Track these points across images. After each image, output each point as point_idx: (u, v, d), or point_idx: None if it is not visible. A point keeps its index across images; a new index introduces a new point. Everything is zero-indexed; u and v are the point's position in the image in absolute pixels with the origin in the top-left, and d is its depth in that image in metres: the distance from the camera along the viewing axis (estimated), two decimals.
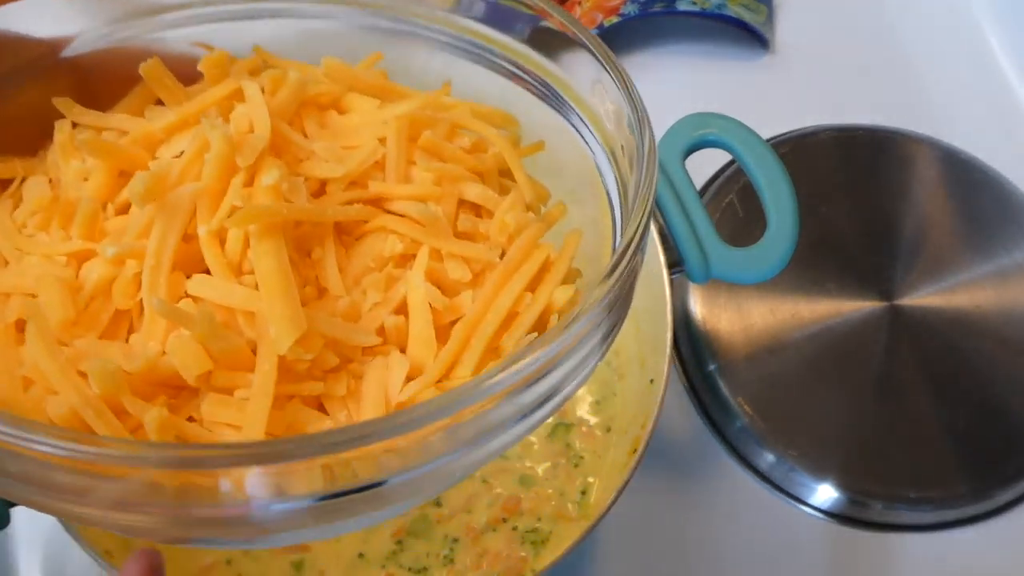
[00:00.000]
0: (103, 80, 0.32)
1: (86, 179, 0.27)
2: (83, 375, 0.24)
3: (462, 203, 0.29)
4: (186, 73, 0.32)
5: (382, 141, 0.28)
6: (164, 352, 0.24)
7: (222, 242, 0.25)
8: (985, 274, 0.66)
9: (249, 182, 0.26)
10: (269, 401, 0.24)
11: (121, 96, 0.32)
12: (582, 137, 0.33)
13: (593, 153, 0.33)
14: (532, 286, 0.28)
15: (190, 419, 0.25)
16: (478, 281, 0.28)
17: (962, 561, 0.59)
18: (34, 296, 0.25)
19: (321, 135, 0.29)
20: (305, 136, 0.29)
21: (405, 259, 0.28)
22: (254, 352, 0.25)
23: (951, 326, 0.64)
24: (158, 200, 0.25)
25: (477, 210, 0.30)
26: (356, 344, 0.26)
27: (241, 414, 0.24)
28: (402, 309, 0.27)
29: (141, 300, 0.25)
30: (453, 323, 0.28)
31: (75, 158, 0.28)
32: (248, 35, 0.33)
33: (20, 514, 0.45)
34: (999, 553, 0.59)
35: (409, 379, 0.26)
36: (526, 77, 0.34)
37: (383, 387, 0.26)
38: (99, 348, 0.25)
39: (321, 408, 0.26)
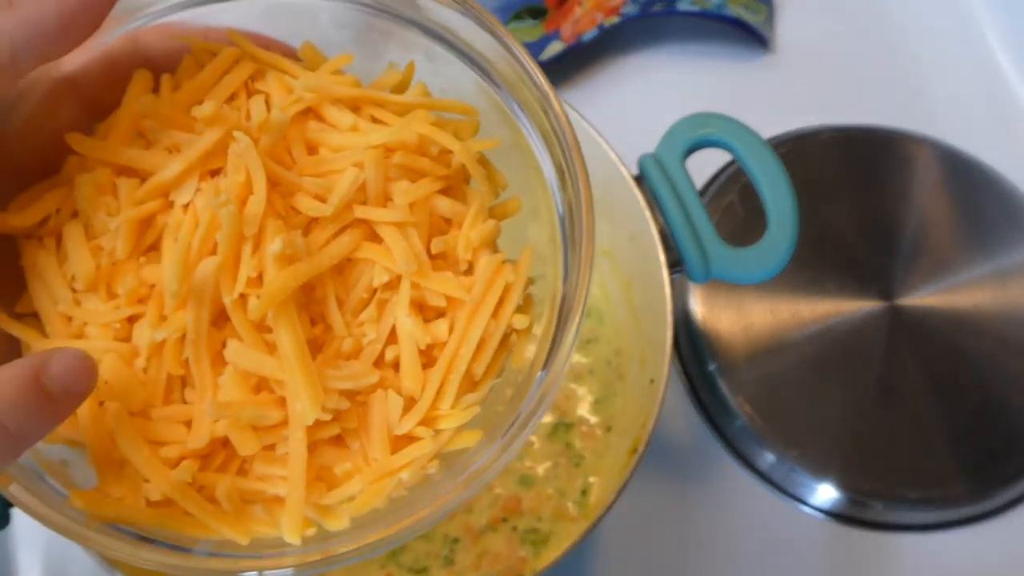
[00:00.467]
0: (101, 88, 0.34)
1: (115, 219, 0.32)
2: (166, 449, 0.31)
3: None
4: (169, 63, 0.35)
5: (360, 166, 0.33)
6: (216, 420, 0.31)
7: (244, 300, 0.31)
8: (985, 274, 0.66)
9: (256, 246, 0.31)
10: (305, 460, 0.31)
11: (119, 94, 0.34)
12: (529, 134, 0.37)
13: (543, 165, 0.37)
14: (496, 312, 0.33)
15: (243, 463, 0.32)
16: (452, 304, 0.33)
17: (962, 561, 0.59)
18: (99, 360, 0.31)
19: (306, 162, 0.33)
20: (291, 157, 0.33)
21: (392, 283, 0.33)
22: (283, 403, 0.31)
23: (951, 326, 0.64)
24: (187, 283, 0.30)
25: (447, 220, 0.34)
26: (362, 387, 0.32)
27: (285, 468, 0.31)
28: (392, 337, 0.33)
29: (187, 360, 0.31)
30: (432, 346, 0.33)
31: (101, 210, 0.32)
32: (217, 16, 0.36)
33: (20, 514, 0.45)
34: (999, 553, 0.59)
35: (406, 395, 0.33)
36: (484, 73, 0.37)
37: (385, 421, 0.32)
38: (169, 424, 0.31)
39: (339, 439, 0.32)
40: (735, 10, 0.73)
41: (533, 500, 0.54)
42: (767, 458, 0.60)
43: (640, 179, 0.52)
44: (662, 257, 0.50)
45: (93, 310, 0.31)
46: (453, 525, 0.53)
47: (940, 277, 0.65)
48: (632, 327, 0.56)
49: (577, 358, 0.58)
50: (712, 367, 0.62)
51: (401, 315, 0.32)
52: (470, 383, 0.33)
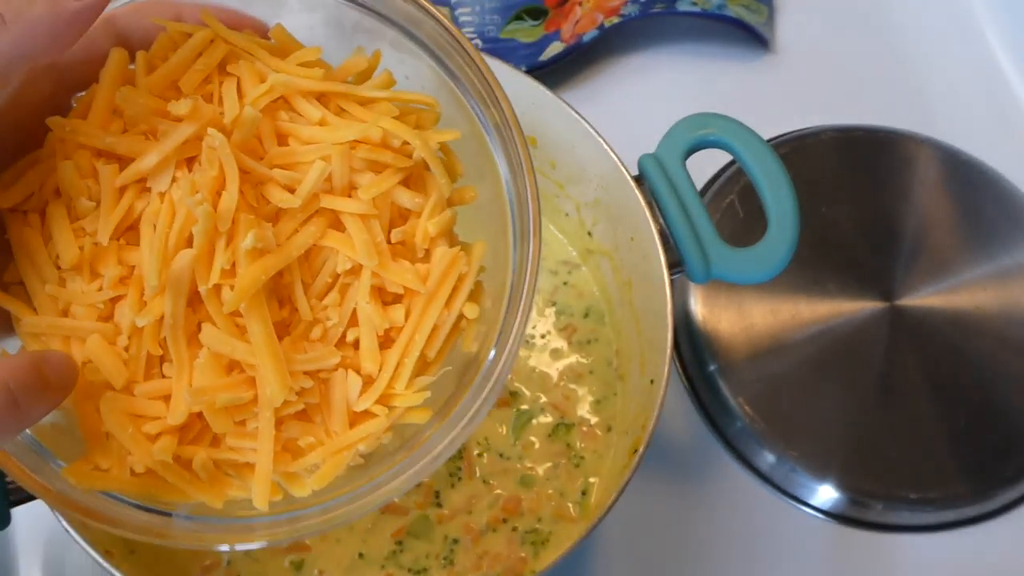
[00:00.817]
0: (78, 66, 0.35)
1: (96, 204, 0.34)
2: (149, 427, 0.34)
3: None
4: (144, 42, 0.36)
5: (327, 159, 0.34)
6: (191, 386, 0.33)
7: (218, 288, 0.33)
8: (985, 274, 0.66)
9: (229, 239, 0.33)
10: (272, 436, 0.34)
11: (96, 70, 0.35)
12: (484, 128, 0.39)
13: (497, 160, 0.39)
14: (449, 301, 0.36)
15: (215, 437, 0.34)
16: (409, 291, 0.36)
17: (962, 562, 0.59)
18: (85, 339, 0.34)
19: (276, 152, 0.35)
20: (262, 147, 0.35)
21: (355, 269, 0.35)
22: (254, 382, 0.34)
23: (952, 326, 0.64)
24: (165, 273, 0.33)
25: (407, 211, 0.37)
26: (325, 368, 0.35)
27: (255, 441, 0.34)
28: (353, 319, 0.35)
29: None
30: (390, 328, 0.36)
31: (83, 194, 0.34)
32: None
33: (20, 514, 0.45)
34: (999, 554, 0.59)
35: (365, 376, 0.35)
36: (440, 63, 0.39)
37: (345, 399, 0.35)
38: (150, 400, 0.34)
39: (303, 413, 0.35)
40: (735, 10, 0.73)
41: (533, 501, 0.54)
42: (767, 459, 0.60)
43: (640, 179, 0.52)
44: (662, 257, 0.50)
45: (78, 291, 0.34)
46: (453, 526, 0.53)
47: (940, 277, 0.65)
48: (632, 327, 0.56)
49: (577, 358, 0.58)
50: (712, 368, 0.62)
51: (362, 302, 0.35)
52: (423, 365, 0.36)
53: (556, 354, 0.58)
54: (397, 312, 0.35)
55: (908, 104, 0.74)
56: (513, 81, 0.55)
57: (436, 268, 0.36)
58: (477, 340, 0.37)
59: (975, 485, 0.60)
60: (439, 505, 0.53)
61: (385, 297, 0.36)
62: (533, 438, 0.55)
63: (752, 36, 0.75)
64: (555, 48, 0.72)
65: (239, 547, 0.35)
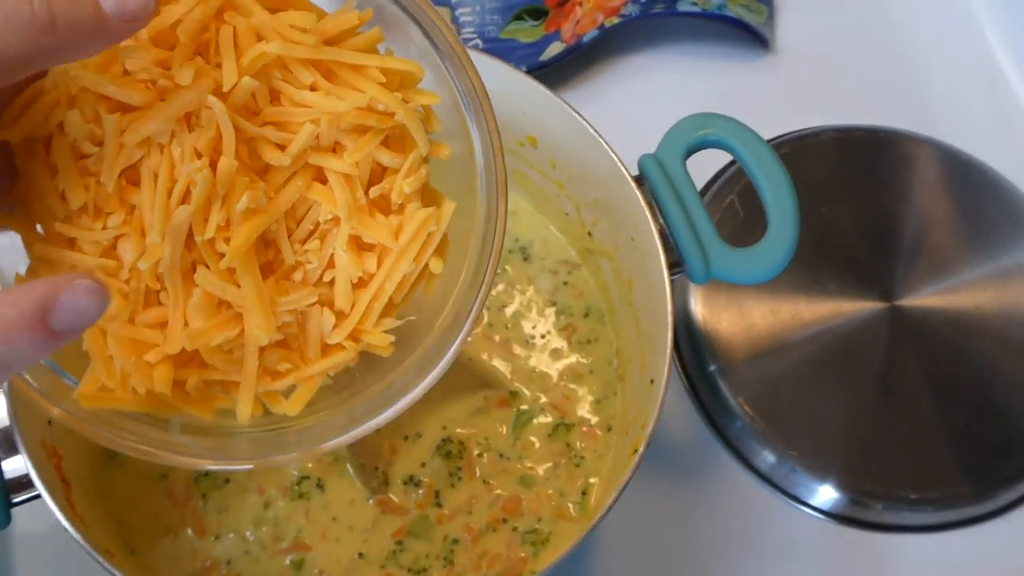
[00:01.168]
0: None
1: (99, 144, 0.36)
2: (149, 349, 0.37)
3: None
4: None
5: (316, 122, 0.37)
6: (187, 323, 0.37)
7: (212, 239, 0.36)
8: (985, 274, 0.66)
9: (225, 198, 0.36)
10: (256, 365, 0.38)
11: None
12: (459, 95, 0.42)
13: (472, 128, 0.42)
14: (418, 256, 0.39)
15: (202, 362, 0.38)
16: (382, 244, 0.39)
17: (962, 562, 0.59)
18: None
19: (269, 111, 0.38)
20: (256, 102, 0.38)
21: (335, 218, 0.38)
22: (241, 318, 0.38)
23: (952, 326, 0.64)
24: (165, 225, 0.36)
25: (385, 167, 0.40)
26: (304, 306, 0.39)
27: (240, 367, 0.38)
28: (331, 261, 0.39)
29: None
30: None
31: (87, 138, 0.36)
32: None
33: (20, 514, 0.45)
34: (999, 554, 0.59)
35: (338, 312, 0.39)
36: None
37: (319, 332, 0.39)
38: (149, 329, 0.37)
39: (282, 342, 0.39)
40: (736, 11, 0.73)
41: (533, 501, 0.54)
42: (767, 459, 0.60)
43: (640, 179, 0.52)
44: (662, 257, 0.50)
45: (85, 227, 0.37)
46: (453, 526, 0.53)
47: (940, 277, 0.65)
48: (632, 327, 0.56)
49: (577, 358, 0.58)
50: (712, 368, 0.62)
51: (339, 251, 0.38)
52: (389, 307, 0.40)
53: (556, 354, 0.58)
54: (371, 261, 0.39)
55: (908, 104, 0.75)
56: (513, 81, 0.55)
57: (409, 226, 0.39)
58: (441, 288, 0.41)
59: (975, 485, 0.60)
60: (439, 505, 0.53)
61: (361, 243, 0.39)
62: (533, 438, 0.55)
63: (752, 36, 0.75)
64: (555, 48, 0.72)
65: (230, 467, 0.40)
